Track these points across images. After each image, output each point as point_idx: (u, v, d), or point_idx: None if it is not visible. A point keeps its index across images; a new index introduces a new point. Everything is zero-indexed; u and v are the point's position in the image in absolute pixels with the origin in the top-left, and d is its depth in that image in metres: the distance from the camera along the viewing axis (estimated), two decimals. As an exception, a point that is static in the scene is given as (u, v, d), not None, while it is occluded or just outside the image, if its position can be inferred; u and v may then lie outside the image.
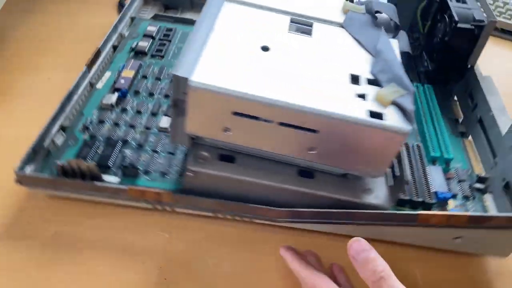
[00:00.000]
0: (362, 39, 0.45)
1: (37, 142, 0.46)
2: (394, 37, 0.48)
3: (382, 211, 0.41)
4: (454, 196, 0.47)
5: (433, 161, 0.50)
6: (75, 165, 0.42)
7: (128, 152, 0.48)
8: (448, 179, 0.49)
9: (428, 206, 0.45)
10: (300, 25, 0.47)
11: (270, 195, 0.43)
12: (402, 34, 0.53)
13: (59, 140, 0.48)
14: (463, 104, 0.58)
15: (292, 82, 0.39)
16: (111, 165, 0.46)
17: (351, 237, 0.35)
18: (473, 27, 0.53)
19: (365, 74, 0.42)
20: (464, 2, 0.57)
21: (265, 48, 0.42)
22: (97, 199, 0.44)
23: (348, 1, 0.50)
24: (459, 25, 0.53)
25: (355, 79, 0.41)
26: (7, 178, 0.43)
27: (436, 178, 0.48)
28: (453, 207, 0.46)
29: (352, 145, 0.39)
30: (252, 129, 0.39)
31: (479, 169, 0.51)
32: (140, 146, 0.49)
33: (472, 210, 0.46)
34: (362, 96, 0.39)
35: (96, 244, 0.43)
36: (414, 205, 0.45)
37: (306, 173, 0.43)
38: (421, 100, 0.56)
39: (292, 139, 0.39)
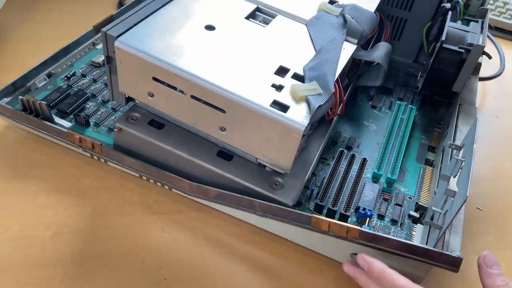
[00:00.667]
0: (314, 37, 0.45)
1: (19, 79, 0.52)
2: (358, 42, 0.46)
3: (279, 206, 0.40)
4: (380, 217, 0.44)
5: (374, 178, 0.48)
6: (31, 102, 0.47)
7: (90, 104, 0.53)
8: (384, 199, 0.46)
9: (344, 218, 0.43)
10: (263, 15, 0.48)
11: (188, 169, 0.44)
12: (384, 46, 0.51)
13: (41, 83, 0.55)
14: (441, 132, 0.54)
15: (217, 61, 0.40)
16: (68, 112, 0.51)
17: (253, 227, 0.35)
18: (461, 50, 0.49)
19: (296, 68, 0.41)
20: (467, 25, 0.53)
21: (209, 27, 0.43)
22: (49, 137, 0.49)
23: (327, 2, 0.50)
24: (444, 45, 0.49)
25: (282, 71, 0.41)
26: (6, 178, 0.47)
27: (368, 195, 0.45)
28: (370, 226, 0.43)
29: (256, 132, 0.39)
30: (170, 98, 0.41)
31: (427, 199, 0.47)
32: (104, 103, 0.53)
33: (392, 234, 0.43)
34: (279, 87, 0.39)
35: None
36: (331, 213, 0.44)
37: (225, 154, 0.44)
38: (397, 118, 0.54)
39: (203, 115, 0.41)
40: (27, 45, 0.65)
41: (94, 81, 0.56)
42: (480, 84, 0.69)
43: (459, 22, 0.54)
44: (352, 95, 0.57)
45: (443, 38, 0.49)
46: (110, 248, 0.43)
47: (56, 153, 0.50)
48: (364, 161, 0.48)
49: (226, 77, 0.39)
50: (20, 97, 0.48)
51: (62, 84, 0.55)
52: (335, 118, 0.47)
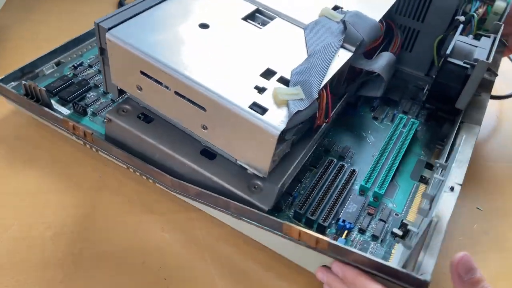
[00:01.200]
0: (309, 41, 0.44)
1: (27, 65, 0.54)
2: (356, 50, 0.45)
3: (253, 210, 0.40)
4: (361, 231, 0.43)
5: (361, 191, 0.46)
6: (32, 88, 0.49)
7: (91, 94, 0.54)
8: (368, 213, 0.45)
9: (321, 228, 0.42)
10: (262, 17, 0.48)
11: (171, 164, 0.45)
12: (386, 56, 0.50)
13: (49, 70, 0.57)
14: (441, 150, 0.52)
15: (204, 59, 0.40)
16: (69, 100, 0.52)
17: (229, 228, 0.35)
18: (466, 65, 0.47)
19: (284, 72, 0.41)
20: (478, 39, 0.50)
21: (203, 26, 0.44)
22: (49, 125, 0.51)
23: (330, 8, 0.49)
24: (449, 58, 0.47)
25: (268, 74, 0.41)
26: (6, 178, 0.47)
27: (351, 207, 0.44)
28: (348, 239, 0.42)
29: (234, 132, 0.39)
30: (156, 93, 0.42)
31: (414, 217, 0.45)
32: (104, 94, 0.54)
33: (370, 250, 0.42)
34: (261, 89, 0.39)
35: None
36: (309, 222, 0.43)
37: (208, 153, 0.44)
38: (396, 131, 0.52)
39: (186, 111, 0.41)
40: (27, 45, 0.65)
41: (99, 72, 0.57)
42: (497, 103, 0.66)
43: (471, 36, 0.52)
44: (353, 104, 0.56)
45: (448, 51, 0.48)
46: (110, 248, 0.43)
47: (57, 140, 0.52)
48: (352, 172, 0.47)
49: (208, 76, 0.39)
50: (23, 82, 0.50)
51: (68, 73, 0.57)
52: (323, 126, 0.46)
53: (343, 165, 0.48)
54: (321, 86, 0.40)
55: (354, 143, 0.52)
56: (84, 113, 0.51)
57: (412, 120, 0.54)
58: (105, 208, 0.46)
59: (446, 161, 0.45)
